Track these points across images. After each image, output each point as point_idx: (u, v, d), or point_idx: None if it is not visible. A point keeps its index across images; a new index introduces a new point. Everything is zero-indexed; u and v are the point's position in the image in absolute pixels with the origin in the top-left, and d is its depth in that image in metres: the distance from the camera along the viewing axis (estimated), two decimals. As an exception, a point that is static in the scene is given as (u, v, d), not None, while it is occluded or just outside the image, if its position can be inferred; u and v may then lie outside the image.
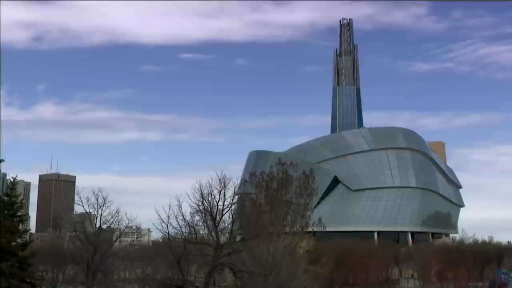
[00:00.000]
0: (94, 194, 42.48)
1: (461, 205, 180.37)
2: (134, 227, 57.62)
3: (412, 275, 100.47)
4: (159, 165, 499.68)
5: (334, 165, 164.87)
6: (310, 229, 76.22)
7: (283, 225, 67.63)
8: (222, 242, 33.33)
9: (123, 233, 51.51)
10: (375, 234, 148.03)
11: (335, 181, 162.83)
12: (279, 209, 66.61)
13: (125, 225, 46.31)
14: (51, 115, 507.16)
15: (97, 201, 42.42)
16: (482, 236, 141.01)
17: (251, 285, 39.47)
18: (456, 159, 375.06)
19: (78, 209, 46.04)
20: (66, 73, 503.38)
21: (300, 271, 52.27)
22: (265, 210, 67.09)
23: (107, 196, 42.60)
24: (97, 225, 44.28)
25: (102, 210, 42.47)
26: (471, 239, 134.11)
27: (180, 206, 32.96)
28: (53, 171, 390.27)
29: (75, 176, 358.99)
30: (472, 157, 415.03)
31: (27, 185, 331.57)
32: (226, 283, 56.96)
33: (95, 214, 44.64)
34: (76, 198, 45.62)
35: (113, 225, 46.68)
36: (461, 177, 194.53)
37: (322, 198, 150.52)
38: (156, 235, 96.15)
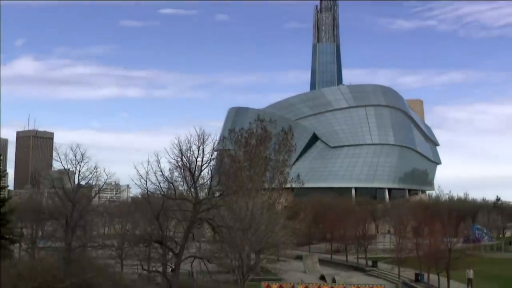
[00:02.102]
0: (72, 150, 42.23)
1: (438, 162, 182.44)
2: (113, 183, 57.61)
3: (389, 231, 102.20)
4: (139, 122, 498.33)
5: (313, 122, 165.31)
6: (288, 185, 77.58)
7: (262, 181, 68.59)
8: (201, 198, 33.48)
9: (102, 189, 51.45)
10: (353, 191, 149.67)
11: (314, 138, 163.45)
12: (258, 165, 67.41)
13: (103, 181, 46.20)
14: (29, 71, 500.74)
15: (75, 157, 42.19)
16: (457, 193, 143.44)
17: (229, 240, 39.91)
18: (434, 117, 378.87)
19: (56, 165, 45.82)
20: (45, 28, 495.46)
21: (278, 226, 52.98)
22: (244, 166, 67.85)
23: (85, 152, 42.42)
24: (76, 182, 44.14)
25: (80, 166, 42.30)
26: (447, 196, 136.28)
27: (159, 162, 32.99)
28: (31, 128, 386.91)
29: (53, 133, 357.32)
30: (450, 115, 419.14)
31: (4, 142, 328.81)
32: (205, 238, 57.56)
33: (73, 171, 44.43)
34: (54, 154, 45.35)
35: (91, 181, 46.56)
36: (438, 135, 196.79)
37: (300, 155, 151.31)
38: (135, 191, 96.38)
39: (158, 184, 34.02)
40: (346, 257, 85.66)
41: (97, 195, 54.69)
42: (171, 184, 35.08)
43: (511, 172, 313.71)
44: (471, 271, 58.11)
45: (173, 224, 52.49)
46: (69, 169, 44.95)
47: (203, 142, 32.93)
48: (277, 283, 56.73)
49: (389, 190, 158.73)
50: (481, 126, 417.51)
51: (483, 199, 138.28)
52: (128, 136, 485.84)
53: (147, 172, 32.84)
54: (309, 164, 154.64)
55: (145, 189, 34.12)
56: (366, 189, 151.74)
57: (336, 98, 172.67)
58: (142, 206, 54.19)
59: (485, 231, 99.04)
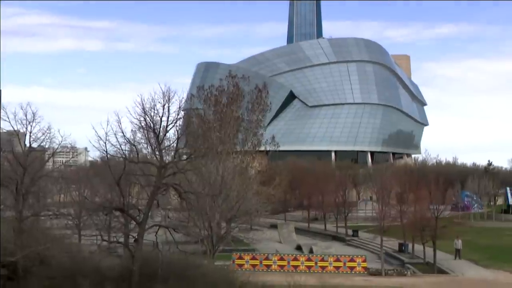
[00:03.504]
0: (22, 109, 41.44)
1: (425, 123, 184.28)
2: (69, 146, 56.90)
3: (371, 198, 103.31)
4: (98, 78, 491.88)
5: (290, 79, 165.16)
6: (262, 148, 77.74)
7: (234, 143, 68.63)
8: (166, 161, 33.26)
9: (56, 152, 50.87)
10: (333, 154, 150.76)
11: (291, 96, 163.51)
12: (229, 126, 67.35)
13: (58, 143, 45.58)
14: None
15: (26, 117, 41.42)
16: (446, 157, 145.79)
17: (198, 207, 39.93)
18: (422, 74, 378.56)
19: (4, 126, 44.95)
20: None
21: (251, 192, 53.19)
22: (214, 127, 67.73)
23: (37, 111, 41.68)
24: (27, 144, 43.52)
25: (31, 127, 41.57)
26: (434, 160, 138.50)
27: (119, 122, 32.40)
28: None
29: (0, 90, 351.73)
30: (439, 73, 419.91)
31: None
32: (171, 206, 57.64)
33: (24, 132, 43.70)
34: (2, 113, 44.40)
35: (44, 144, 45.93)
36: (426, 94, 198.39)
37: (276, 115, 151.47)
38: (93, 154, 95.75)
39: (119, 146, 33.59)
40: (325, 226, 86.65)
41: (51, 159, 54.05)
42: (134, 146, 34.69)
43: (505, 135, 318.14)
44: (460, 241, 59.16)
45: (136, 191, 52.39)
46: (19, 130, 44.23)
47: (169, 100, 32.47)
48: (250, 254, 57.27)
49: (372, 153, 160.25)
50: (474, 85, 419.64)
51: (473, 163, 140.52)
52: (86, 94, 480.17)
53: (106, 133, 32.34)
54: (285, 125, 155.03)
55: (105, 152, 33.70)
56: (347, 152, 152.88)
57: (315, 52, 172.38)
58: (102, 170, 53.86)
59: (475, 198, 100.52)
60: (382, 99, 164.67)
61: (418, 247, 59.78)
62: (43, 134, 42.57)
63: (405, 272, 53.59)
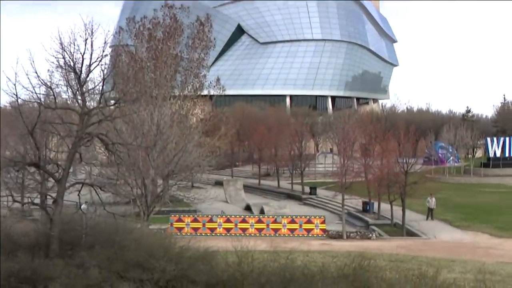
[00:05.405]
0: None
1: (394, 63, 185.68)
2: (-28, 89, 55.88)
3: (331, 150, 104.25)
4: (5, 6, 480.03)
5: (238, 10, 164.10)
6: (205, 92, 77.50)
7: (171, 86, 68.27)
8: (90, 107, 32.69)
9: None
10: (287, 99, 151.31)
11: (239, 31, 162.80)
12: (166, 65, 66.81)
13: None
14: None
15: None
16: (418, 103, 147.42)
17: (129, 161, 39.58)
18: (392, 6, 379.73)
19: None
20: None
21: (192, 144, 53.13)
22: (147, 66, 67.09)
23: None
24: None
25: None
26: (405, 106, 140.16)
27: (32, 60, 31.64)
28: None
29: None
30: (412, 4, 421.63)
31: None
32: (97, 160, 57.11)
33: None
34: None
35: None
36: (397, 29, 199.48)
37: (221, 53, 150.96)
38: (1, 99, 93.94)
39: (32, 89, 32.85)
40: (278, 183, 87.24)
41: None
42: (50, 89, 33.98)
43: (488, 78, 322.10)
44: (433, 199, 60.09)
45: (54, 142, 51.71)
46: None
47: (92, 33, 31.65)
48: (191, 216, 57.35)
49: (333, 98, 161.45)
50: (453, 19, 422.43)
51: (449, 110, 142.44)
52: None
53: (16, 74, 31.57)
54: (233, 65, 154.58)
55: (15, 96, 32.93)
56: (304, 97, 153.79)
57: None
58: (12, 118, 52.90)
59: (450, 150, 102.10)
60: (346, 35, 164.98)
61: (385, 206, 60.59)
62: None
63: (370, 235, 54.33)
